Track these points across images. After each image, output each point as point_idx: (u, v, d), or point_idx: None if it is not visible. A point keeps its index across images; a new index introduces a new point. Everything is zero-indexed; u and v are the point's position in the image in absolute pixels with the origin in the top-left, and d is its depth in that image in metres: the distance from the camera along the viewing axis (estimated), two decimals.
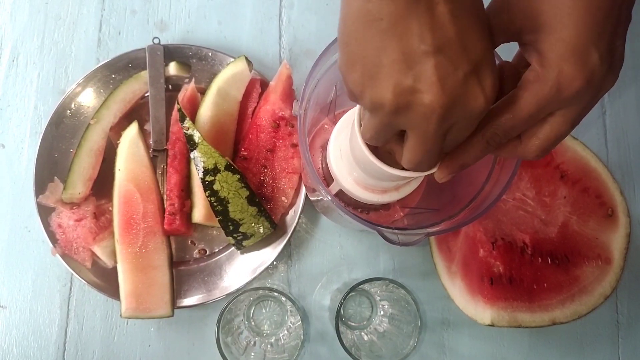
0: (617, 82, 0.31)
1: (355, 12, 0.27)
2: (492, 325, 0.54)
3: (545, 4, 0.29)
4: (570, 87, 0.29)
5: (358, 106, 0.39)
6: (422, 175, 0.39)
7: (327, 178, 0.52)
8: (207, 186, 0.54)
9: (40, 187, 0.57)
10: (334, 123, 0.55)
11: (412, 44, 0.26)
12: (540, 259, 0.57)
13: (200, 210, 0.57)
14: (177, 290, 0.58)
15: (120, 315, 0.54)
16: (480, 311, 0.54)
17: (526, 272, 0.56)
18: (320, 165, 0.56)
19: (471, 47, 0.27)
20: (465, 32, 0.27)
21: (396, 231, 0.42)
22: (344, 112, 0.53)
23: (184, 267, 0.59)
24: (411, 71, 0.27)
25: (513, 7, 0.31)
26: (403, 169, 0.39)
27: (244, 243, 0.56)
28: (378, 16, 0.26)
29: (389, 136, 0.33)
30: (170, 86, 0.61)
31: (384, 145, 0.35)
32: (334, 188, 0.50)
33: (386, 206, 0.55)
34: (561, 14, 0.29)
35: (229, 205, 0.54)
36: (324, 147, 0.57)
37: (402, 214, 0.55)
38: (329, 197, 0.42)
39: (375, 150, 0.39)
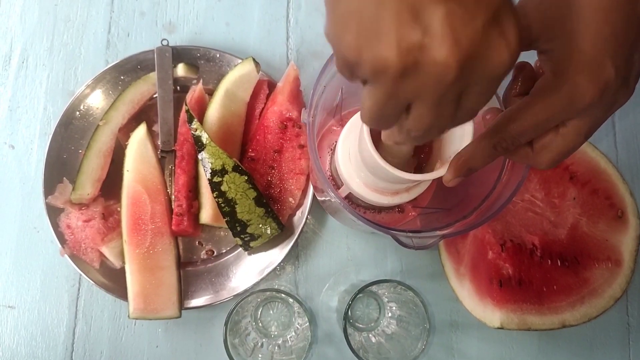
0: None
1: None
2: (501, 327, 0.53)
3: (564, 13, 0.29)
4: (583, 99, 0.29)
5: None
6: (430, 178, 0.39)
7: (336, 180, 0.52)
8: (215, 187, 0.54)
9: (49, 187, 0.57)
10: (341, 124, 0.55)
11: None
12: (549, 261, 0.56)
13: (207, 211, 0.57)
14: (184, 291, 0.58)
15: (128, 316, 0.54)
16: (489, 313, 0.54)
17: (535, 274, 0.55)
18: (328, 167, 0.56)
19: None
20: None
21: (410, 234, 0.42)
22: (351, 114, 0.53)
23: (192, 268, 0.59)
24: (418, 23, 0.22)
25: (531, 15, 0.31)
26: (412, 171, 0.39)
27: (252, 244, 0.56)
28: None
29: (395, 114, 0.27)
30: (178, 87, 0.62)
31: (389, 127, 0.30)
32: (343, 191, 0.50)
33: (399, 207, 0.55)
34: (579, 25, 0.28)
35: (236, 206, 0.54)
36: (332, 149, 0.57)
37: (414, 214, 0.54)
38: (340, 201, 0.42)
39: (384, 153, 0.39)
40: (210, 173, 0.54)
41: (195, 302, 0.57)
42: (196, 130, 0.54)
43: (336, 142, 0.50)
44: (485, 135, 0.33)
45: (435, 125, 0.27)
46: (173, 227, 0.57)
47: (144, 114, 0.61)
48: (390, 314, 0.57)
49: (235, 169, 0.54)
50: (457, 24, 0.22)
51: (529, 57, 0.35)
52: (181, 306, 0.56)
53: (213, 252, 0.60)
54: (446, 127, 0.28)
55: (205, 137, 0.54)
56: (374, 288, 0.54)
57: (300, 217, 0.58)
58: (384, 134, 0.34)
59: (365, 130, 0.38)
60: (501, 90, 0.38)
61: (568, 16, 0.29)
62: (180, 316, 0.56)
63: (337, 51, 0.26)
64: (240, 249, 0.59)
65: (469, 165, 0.34)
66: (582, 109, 0.29)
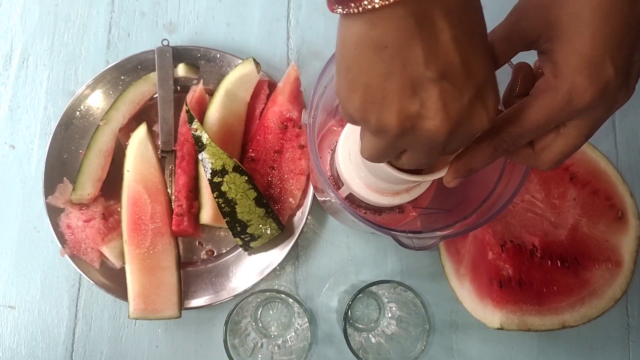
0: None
1: (357, 38, 0.27)
2: (501, 328, 0.53)
3: (564, 13, 0.29)
4: (583, 99, 0.29)
5: None
6: (431, 179, 0.39)
7: (337, 180, 0.52)
8: (215, 187, 0.54)
9: (50, 187, 0.57)
10: (341, 125, 0.55)
11: (418, 71, 0.26)
12: (549, 261, 0.56)
13: (208, 212, 0.57)
14: (184, 291, 0.58)
15: (128, 316, 0.54)
16: (489, 314, 0.54)
17: (535, 274, 0.55)
18: (328, 168, 0.56)
19: (475, 71, 0.27)
20: (469, 56, 0.27)
21: (411, 235, 0.42)
22: None
23: (192, 268, 0.59)
24: (417, 97, 0.27)
25: (532, 15, 0.31)
26: (412, 172, 0.39)
27: (252, 244, 0.56)
28: (382, 43, 0.26)
29: (391, 156, 0.33)
30: (178, 87, 0.62)
31: (384, 161, 0.36)
32: (344, 192, 0.50)
33: (399, 207, 0.55)
34: (579, 24, 0.28)
35: (236, 206, 0.54)
36: (332, 149, 0.57)
37: (414, 214, 0.54)
38: (341, 202, 0.42)
39: None
40: (211, 173, 0.54)
41: (195, 302, 0.57)
42: (196, 130, 0.54)
43: (336, 142, 0.50)
44: (486, 136, 0.33)
45: (424, 164, 0.33)
46: (173, 227, 0.57)
47: (144, 114, 0.61)
48: (390, 315, 0.57)
49: (236, 169, 0.54)
50: (448, 99, 0.27)
51: (529, 57, 0.35)
52: (181, 306, 0.56)
53: (213, 253, 0.60)
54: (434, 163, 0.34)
55: (205, 137, 0.54)
56: (374, 288, 0.54)
57: (301, 218, 0.58)
58: None
59: None
60: (501, 91, 0.38)
61: (568, 16, 0.29)
62: (180, 316, 0.56)
63: (344, 108, 0.30)
64: (241, 249, 0.59)
65: (469, 166, 0.35)
66: (582, 109, 0.29)
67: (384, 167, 0.38)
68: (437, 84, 0.26)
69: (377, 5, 0.24)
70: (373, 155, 0.33)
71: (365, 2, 0.25)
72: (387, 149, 0.31)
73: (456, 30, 0.26)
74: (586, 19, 0.28)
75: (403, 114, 0.27)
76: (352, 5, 0.25)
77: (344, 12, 0.26)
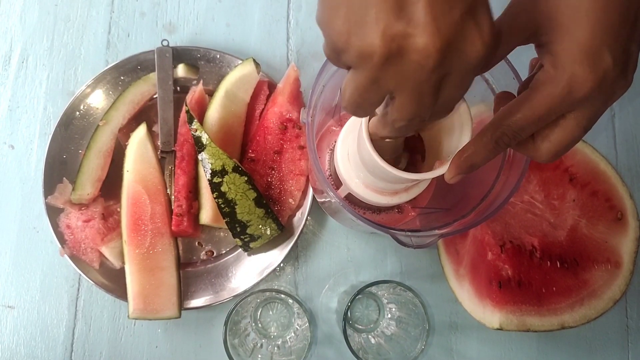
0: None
1: None
2: (500, 329, 0.53)
3: (562, 5, 0.29)
4: (582, 89, 0.29)
5: None
6: (430, 177, 0.39)
7: (336, 180, 0.52)
8: (215, 188, 0.54)
9: (49, 188, 0.57)
10: (340, 125, 0.55)
11: None
12: (549, 262, 0.56)
13: (207, 212, 0.57)
14: (184, 291, 0.58)
15: (128, 316, 0.54)
16: (489, 315, 0.54)
17: (535, 275, 0.55)
18: (327, 167, 0.56)
19: None
20: None
21: (409, 233, 0.42)
22: (350, 114, 0.53)
23: (191, 269, 0.59)
24: (402, 12, 0.24)
25: (529, 8, 0.31)
26: (410, 171, 0.39)
27: (251, 245, 0.56)
28: None
29: (374, 101, 0.29)
30: (178, 88, 0.62)
31: (365, 114, 0.32)
32: (343, 191, 0.50)
33: (398, 207, 0.55)
34: (577, 15, 0.29)
35: (236, 207, 0.54)
36: (331, 149, 0.57)
37: (413, 214, 0.54)
38: (340, 202, 0.42)
39: (382, 153, 0.39)
40: (210, 174, 0.54)
41: (195, 302, 0.57)
42: (196, 130, 0.54)
43: (335, 142, 0.50)
44: (486, 131, 0.33)
45: (417, 115, 0.29)
46: (173, 228, 0.57)
47: (144, 114, 0.61)
48: (389, 315, 0.57)
49: (235, 169, 0.54)
50: (438, 13, 0.24)
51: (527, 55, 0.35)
52: (181, 306, 0.56)
53: (213, 253, 0.60)
54: (427, 118, 0.29)
55: (205, 138, 0.54)
56: (373, 289, 0.54)
57: (300, 218, 0.58)
58: (371, 131, 0.37)
59: (364, 130, 0.38)
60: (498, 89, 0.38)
61: (566, 8, 0.29)
62: (179, 316, 0.56)
63: (326, 36, 0.28)
64: (240, 249, 0.59)
65: (471, 162, 0.35)
66: (582, 99, 0.30)
67: (382, 165, 0.38)
68: None
69: None
70: (355, 100, 0.29)
71: None
72: (371, 86, 0.27)
73: None
74: (585, 10, 0.29)
75: (388, 33, 0.24)
76: None
77: None
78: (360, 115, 0.32)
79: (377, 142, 0.39)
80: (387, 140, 0.38)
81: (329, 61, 0.29)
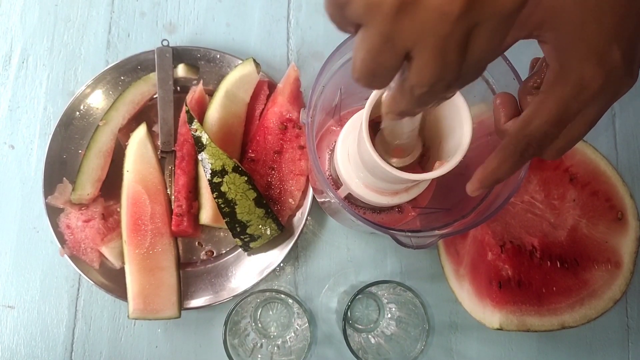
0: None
1: None
2: (500, 329, 0.53)
3: (568, 0, 0.29)
4: (592, 87, 0.29)
5: (365, 109, 0.39)
6: (430, 177, 0.39)
7: (336, 181, 0.52)
8: (215, 188, 0.54)
9: (49, 188, 0.57)
10: (340, 125, 0.55)
11: None
12: (549, 262, 0.56)
13: (207, 212, 0.57)
14: (184, 291, 0.58)
15: (128, 316, 0.54)
16: (489, 315, 0.54)
17: (535, 275, 0.55)
18: (327, 167, 0.56)
19: None
20: None
21: (409, 234, 0.42)
22: (350, 114, 0.53)
23: (191, 269, 0.59)
24: None
25: (533, 2, 0.30)
26: (411, 171, 0.39)
27: (251, 245, 0.56)
28: None
29: (391, 65, 0.24)
30: (178, 88, 0.62)
31: (383, 85, 0.26)
32: (343, 192, 0.50)
33: (399, 207, 0.55)
34: (584, 11, 0.28)
35: (236, 207, 0.54)
36: (331, 149, 0.57)
37: (414, 214, 0.54)
38: (340, 202, 0.42)
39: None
40: (210, 174, 0.54)
41: (194, 302, 0.57)
42: (196, 130, 0.54)
43: (335, 142, 0.50)
44: (508, 144, 0.32)
45: (441, 77, 0.24)
46: (173, 228, 0.57)
47: (144, 114, 0.61)
48: (389, 315, 0.57)
49: (235, 169, 0.54)
50: None
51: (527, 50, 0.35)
52: (181, 306, 0.56)
53: (213, 253, 0.60)
54: (453, 83, 0.25)
55: (205, 138, 0.54)
56: (373, 289, 0.54)
57: (300, 218, 0.58)
58: (386, 106, 0.30)
59: (364, 129, 0.38)
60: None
61: (572, 4, 0.29)
62: (179, 316, 0.56)
63: None
64: (240, 249, 0.59)
65: (495, 177, 0.34)
66: (593, 96, 0.29)
67: (382, 165, 0.38)
68: None
69: None
70: (368, 65, 0.24)
71: None
72: (385, 45, 0.23)
73: None
74: (592, 6, 0.28)
75: None
76: None
77: None
78: (376, 87, 0.26)
79: (388, 129, 0.38)
80: (404, 120, 0.34)
81: (333, 22, 0.25)
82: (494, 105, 0.36)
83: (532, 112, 0.31)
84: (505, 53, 0.40)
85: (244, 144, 0.61)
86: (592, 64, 0.28)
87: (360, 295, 0.51)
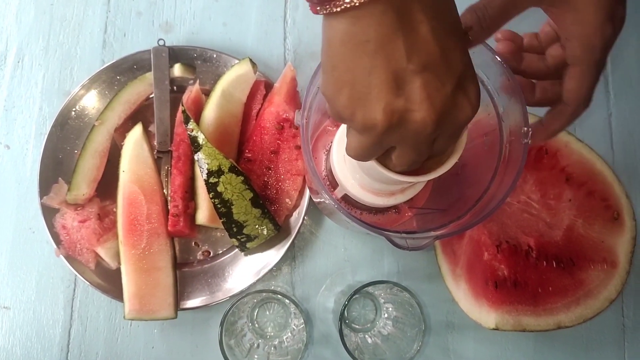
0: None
1: (341, 36, 0.27)
2: (496, 329, 0.53)
3: None
4: (605, 35, 0.35)
5: None
6: (425, 179, 0.39)
7: (332, 181, 0.52)
8: (211, 188, 0.54)
9: (45, 188, 0.57)
10: (336, 125, 0.55)
11: (400, 64, 0.27)
12: (545, 262, 0.56)
13: (204, 212, 0.57)
14: (180, 292, 0.58)
15: (124, 317, 0.54)
16: (485, 315, 0.54)
17: (531, 275, 0.55)
18: (324, 168, 0.56)
19: (454, 62, 0.28)
20: (448, 48, 0.28)
21: (404, 235, 0.42)
22: None
23: (188, 269, 0.59)
24: (401, 90, 0.27)
25: None
26: (406, 173, 0.39)
27: (248, 245, 0.56)
28: (365, 38, 0.27)
29: (377, 154, 0.33)
30: (174, 88, 0.61)
31: (371, 159, 0.36)
32: (339, 192, 0.50)
33: (395, 208, 0.55)
34: None
35: (232, 207, 0.54)
36: (327, 150, 0.57)
37: (410, 214, 0.54)
38: (334, 203, 0.42)
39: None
40: (207, 174, 0.54)
41: (191, 302, 0.57)
42: (193, 130, 0.54)
43: (331, 143, 0.50)
44: (582, 61, 0.37)
45: (415, 161, 0.33)
46: (169, 228, 0.56)
47: (140, 114, 0.61)
48: (386, 315, 0.58)
49: (232, 169, 0.54)
50: (432, 90, 0.27)
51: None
52: (177, 307, 0.56)
53: (209, 253, 0.60)
54: (423, 160, 0.34)
55: (201, 138, 0.54)
56: (370, 289, 0.54)
57: (297, 218, 0.58)
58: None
59: None
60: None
61: None
62: (176, 317, 0.56)
63: (331, 107, 0.31)
64: (237, 249, 0.59)
65: (553, 129, 0.41)
66: (609, 40, 0.35)
67: (378, 168, 0.38)
68: (420, 76, 0.27)
69: (357, 3, 0.26)
70: (359, 154, 0.33)
71: (347, 0, 0.26)
72: (374, 146, 0.31)
73: (434, 23, 0.27)
74: None
75: (389, 109, 0.28)
76: (334, 4, 0.26)
77: (327, 12, 0.27)
78: (362, 161, 0.35)
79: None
80: None
81: (335, 121, 0.35)
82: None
83: (581, 34, 0.36)
84: (498, 57, 0.40)
85: (241, 144, 0.61)
86: (604, 18, 0.34)
87: (357, 295, 0.51)
